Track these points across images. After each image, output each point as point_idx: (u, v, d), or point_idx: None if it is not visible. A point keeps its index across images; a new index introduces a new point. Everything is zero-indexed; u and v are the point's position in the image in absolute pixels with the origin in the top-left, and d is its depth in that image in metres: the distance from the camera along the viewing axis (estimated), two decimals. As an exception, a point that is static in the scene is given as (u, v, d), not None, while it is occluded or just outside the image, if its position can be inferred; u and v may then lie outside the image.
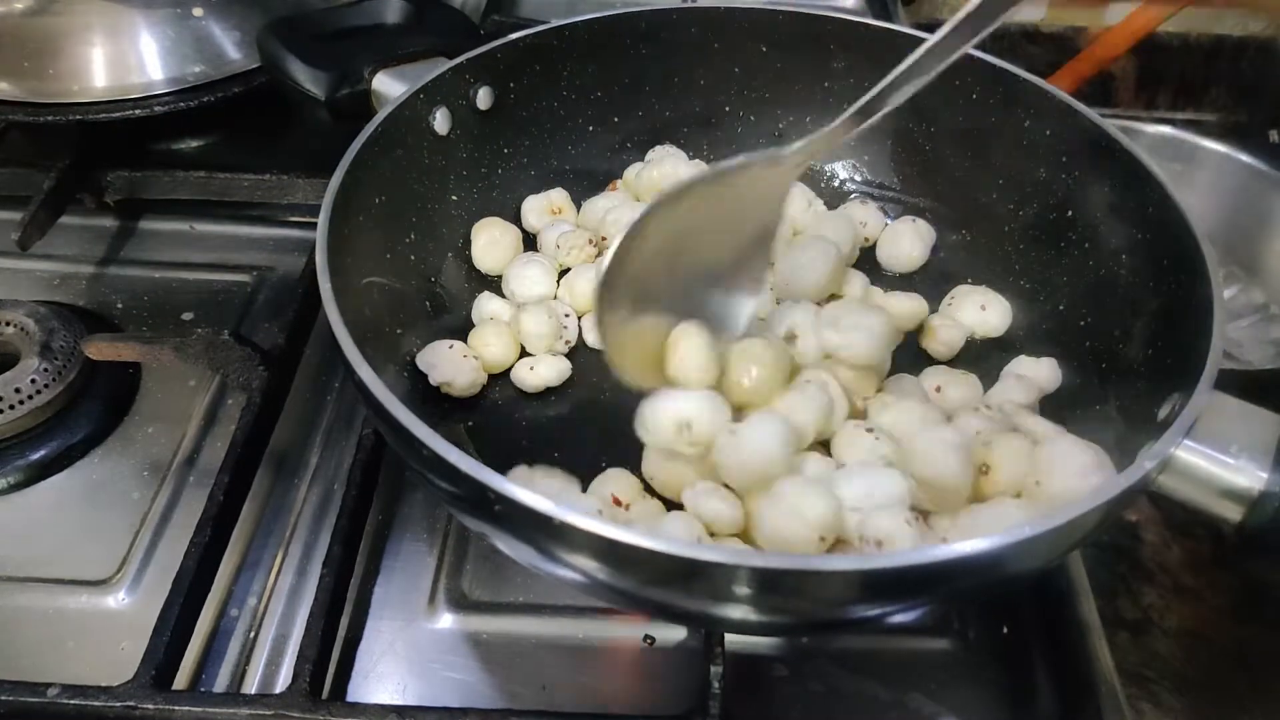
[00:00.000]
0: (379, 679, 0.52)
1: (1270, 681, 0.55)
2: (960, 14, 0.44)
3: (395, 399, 0.41)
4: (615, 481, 0.51)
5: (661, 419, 0.48)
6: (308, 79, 0.63)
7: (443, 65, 0.61)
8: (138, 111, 0.75)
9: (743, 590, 0.37)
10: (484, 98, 0.64)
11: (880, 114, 0.48)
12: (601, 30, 0.67)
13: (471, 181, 0.65)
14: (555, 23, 0.65)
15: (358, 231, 0.53)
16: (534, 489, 0.37)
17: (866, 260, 0.68)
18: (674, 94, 0.71)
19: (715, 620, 0.47)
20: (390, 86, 0.62)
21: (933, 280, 0.67)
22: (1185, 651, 0.56)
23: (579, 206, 0.70)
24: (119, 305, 0.73)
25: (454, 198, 0.64)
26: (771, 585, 0.37)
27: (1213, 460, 0.42)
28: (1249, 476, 0.42)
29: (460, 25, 0.72)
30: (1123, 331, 0.55)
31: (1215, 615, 0.58)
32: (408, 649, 0.53)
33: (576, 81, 0.68)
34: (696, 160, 0.71)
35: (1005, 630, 0.54)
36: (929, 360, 0.61)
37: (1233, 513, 0.42)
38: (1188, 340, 0.46)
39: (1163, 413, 0.46)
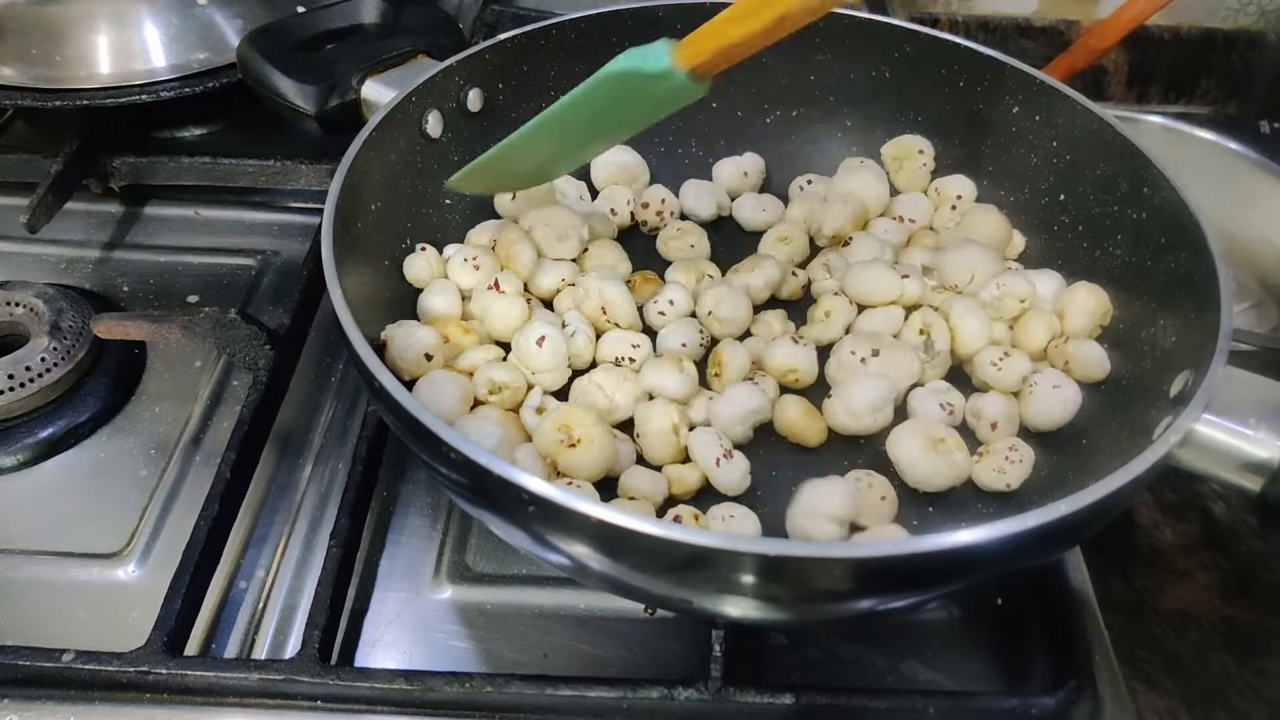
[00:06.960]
0: (385, 647, 0.53)
1: (1260, 660, 0.56)
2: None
3: (394, 379, 0.41)
4: None
5: None
6: (297, 95, 0.62)
7: (433, 68, 0.61)
8: (143, 97, 0.76)
9: (746, 578, 0.37)
10: (474, 99, 0.63)
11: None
12: (587, 29, 0.66)
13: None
14: (542, 23, 0.65)
15: (356, 236, 0.53)
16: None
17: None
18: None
19: (715, 613, 0.47)
20: (379, 93, 0.61)
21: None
22: (1177, 631, 0.57)
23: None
24: (125, 288, 0.74)
25: (446, 201, 0.64)
26: (773, 572, 0.37)
27: (1232, 433, 0.42)
28: (1269, 448, 0.42)
29: (439, 21, 0.71)
30: (1124, 311, 0.56)
31: (1206, 596, 0.59)
32: (413, 619, 0.54)
33: (564, 81, 0.66)
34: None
35: (999, 601, 0.55)
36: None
37: (1253, 484, 0.42)
38: (1192, 316, 0.47)
39: (1174, 389, 0.47)
